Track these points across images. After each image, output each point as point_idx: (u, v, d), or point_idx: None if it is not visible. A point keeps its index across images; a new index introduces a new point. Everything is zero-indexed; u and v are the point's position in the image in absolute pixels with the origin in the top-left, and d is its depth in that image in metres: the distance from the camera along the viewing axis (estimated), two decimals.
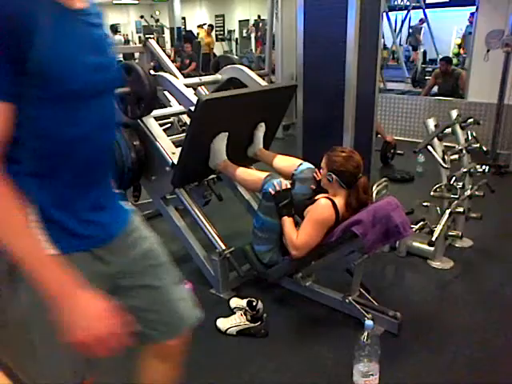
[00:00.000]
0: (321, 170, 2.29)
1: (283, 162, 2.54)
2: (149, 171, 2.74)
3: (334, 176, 2.19)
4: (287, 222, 2.25)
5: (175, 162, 2.51)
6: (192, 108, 2.31)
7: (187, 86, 2.74)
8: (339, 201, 2.20)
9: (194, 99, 2.40)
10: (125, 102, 2.63)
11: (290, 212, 2.27)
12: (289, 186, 2.29)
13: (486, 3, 5.12)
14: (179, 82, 2.72)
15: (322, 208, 2.17)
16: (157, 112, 2.78)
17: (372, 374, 1.81)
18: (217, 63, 3.24)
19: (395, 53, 10.87)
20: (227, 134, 2.49)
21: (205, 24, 12.79)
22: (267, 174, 2.36)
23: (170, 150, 2.61)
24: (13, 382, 2.07)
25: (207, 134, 2.48)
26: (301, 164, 2.42)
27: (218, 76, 3.07)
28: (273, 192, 2.24)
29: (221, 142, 2.50)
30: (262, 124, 2.72)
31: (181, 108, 2.88)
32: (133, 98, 2.57)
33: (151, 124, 2.68)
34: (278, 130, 6.08)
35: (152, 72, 2.71)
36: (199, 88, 3.20)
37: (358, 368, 1.82)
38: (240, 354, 2.12)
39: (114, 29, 9.69)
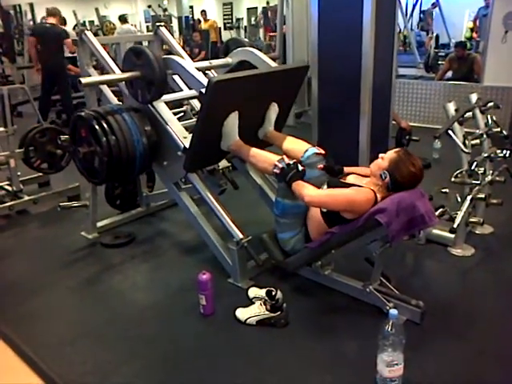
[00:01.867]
0: (380, 156, 2.19)
1: (291, 145, 2.54)
2: (160, 157, 2.73)
3: (388, 177, 2.12)
4: (296, 182, 2.20)
5: (187, 146, 2.49)
6: (203, 90, 2.28)
7: (197, 69, 2.69)
8: (379, 197, 2.13)
9: (205, 81, 2.37)
10: (135, 86, 2.61)
11: (300, 179, 2.23)
12: (291, 162, 2.25)
13: None
14: (190, 64, 2.68)
15: (364, 197, 2.10)
16: (167, 97, 2.76)
17: (396, 364, 1.77)
18: (226, 47, 3.20)
19: (407, 38, 10.68)
20: (237, 113, 2.47)
21: (204, 10, 13.01)
22: (280, 157, 2.32)
23: (181, 134, 2.59)
24: (13, 350, 2.09)
25: (218, 116, 2.45)
26: (306, 150, 2.39)
27: (228, 59, 3.04)
28: (277, 171, 2.25)
29: (232, 123, 2.48)
30: (275, 104, 2.69)
31: (192, 92, 2.85)
32: (143, 83, 2.55)
33: (162, 108, 2.67)
34: (290, 117, 6.05)
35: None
36: (209, 72, 3.16)
37: (382, 357, 1.78)
38: (260, 344, 2.10)
39: (124, 19, 9.63)
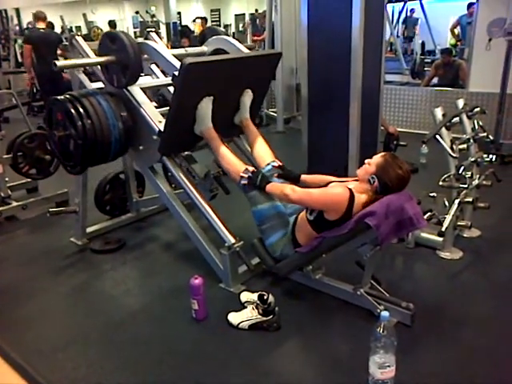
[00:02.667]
0: (367, 162, 2.24)
1: (258, 153, 2.73)
2: (136, 141, 2.76)
3: (376, 181, 2.15)
4: (270, 184, 2.37)
5: (162, 130, 2.53)
6: (176, 73, 2.34)
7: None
8: (362, 198, 2.17)
9: (179, 65, 2.41)
10: (110, 71, 2.65)
11: (269, 182, 2.41)
12: (255, 170, 2.48)
13: None
14: (165, 50, 2.73)
15: (340, 194, 2.16)
16: (142, 81, 2.80)
17: (389, 366, 1.79)
18: (203, 36, 3.25)
19: (393, 44, 10.82)
20: (212, 98, 2.54)
21: (198, 18, 12.79)
22: (245, 168, 2.47)
23: (156, 118, 2.63)
24: (2, 357, 2.07)
25: (192, 99, 2.50)
26: (268, 164, 2.61)
27: (203, 48, 3.10)
28: (245, 182, 2.42)
29: (206, 107, 2.54)
30: (249, 91, 2.78)
31: (167, 80, 2.91)
32: (118, 67, 2.59)
33: (137, 93, 2.71)
34: (279, 123, 6.07)
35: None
36: None
37: (374, 359, 1.80)
38: (253, 348, 2.10)
39: (113, 24, 9.64)
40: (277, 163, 2.62)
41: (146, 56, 2.70)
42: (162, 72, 3.19)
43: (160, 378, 1.96)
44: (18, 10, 13.23)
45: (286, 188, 2.27)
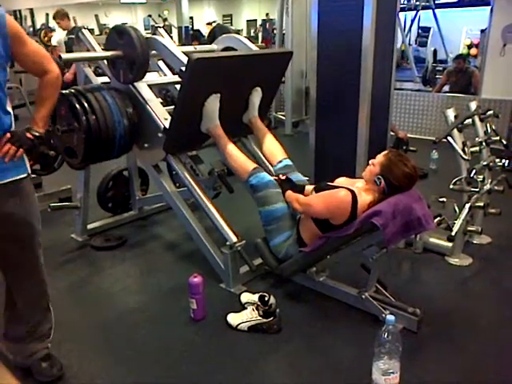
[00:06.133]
0: (371, 162, 2.17)
1: (268, 149, 2.68)
2: (141, 138, 2.70)
3: (382, 182, 2.08)
4: (289, 192, 2.33)
5: (167, 127, 2.47)
6: (183, 68, 2.28)
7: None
8: (368, 198, 2.11)
9: (186, 60, 2.35)
10: (117, 66, 2.59)
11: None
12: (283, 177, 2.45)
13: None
14: (172, 45, 2.67)
15: (340, 199, 2.09)
16: (149, 78, 2.75)
17: (392, 372, 1.71)
18: (213, 34, 3.20)
19: (405, 52, 10.76)
20: (219, 95, 2.47)
21: (213, 21, 12.90)
22: (254, 166, 2.40)
23: (162, 115, 2.57)
24: None
25: (199, 96, 2.44)
26: (280, 161, 2.56)
27: (213, 46, 3.04)
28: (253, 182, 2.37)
29: (213, 104, 2.47)
30: (258, 89, 2.70)
31: (175, 77, 2.85)
32: (125, 62, 2.53)
33: (143, 89, 2.65)
34: (288, 126, 6.02)
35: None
36: None
37: (377, 365, 1.72)
38: (251, 350, 2.03)
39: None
40: (290, 162, 2.61)
41: (153, 52, 2.65)
42: (169, 69, 3.14)
43: (154, 378, 1.89)
44: (32, 11, 13.36)
45: (293, 200, 2.27)
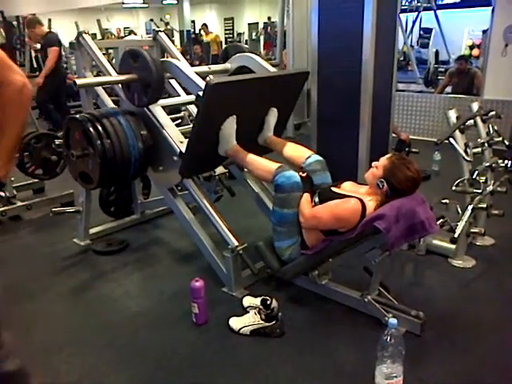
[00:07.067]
0: (374, 165, 2.15)
1: (292, 151, 2.55)
2: (156, 162, 2.67)
3: (385, 185, 2.06)
4: (304, 195, 2.25)
5: (183, 151, 2.44)
6: (200, 93, 2.24)
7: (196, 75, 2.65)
8: (373, 203, 2.09)
9: (203, 84, 2.31)
10: (131, 89, 2.56)
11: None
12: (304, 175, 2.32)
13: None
14: (188, 68, 2.64)
15: (350, 210, 2.06)
16: (164, 101, 2.71)
17: (395, 376, 1.70)
18: (226, 52, 3.16)
19: (406, 54, 10.74)
20: (235, 117, 2.43)
21: (204, 24, 13.45)
22: (278, 165, 2.30)
23: (177, 138, 2.54)
24: None
25: (216, 120, 2.40)
26: (309, 157, 2.44)
27: (227, 65, 3.00)
28: (279, 181, 2.23)
29: (229, 128, 2.43)
30: (274, 109, 2.66)
31: (189, 98, 2.80)
32: (140, 85, 2.50)
33: (158, 112, 2.62)
34: (289, 128, 6.01)
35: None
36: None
37: (380, 369, 1.71)
38: (254, 354, 2.01)
39: (129, 30, 9.77)
40: (319, 158, 2.49)
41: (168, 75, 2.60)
42: (182, 88, 3.08)
43: (157, 383, 1.88)
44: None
45: (304, 210, 2.21)
